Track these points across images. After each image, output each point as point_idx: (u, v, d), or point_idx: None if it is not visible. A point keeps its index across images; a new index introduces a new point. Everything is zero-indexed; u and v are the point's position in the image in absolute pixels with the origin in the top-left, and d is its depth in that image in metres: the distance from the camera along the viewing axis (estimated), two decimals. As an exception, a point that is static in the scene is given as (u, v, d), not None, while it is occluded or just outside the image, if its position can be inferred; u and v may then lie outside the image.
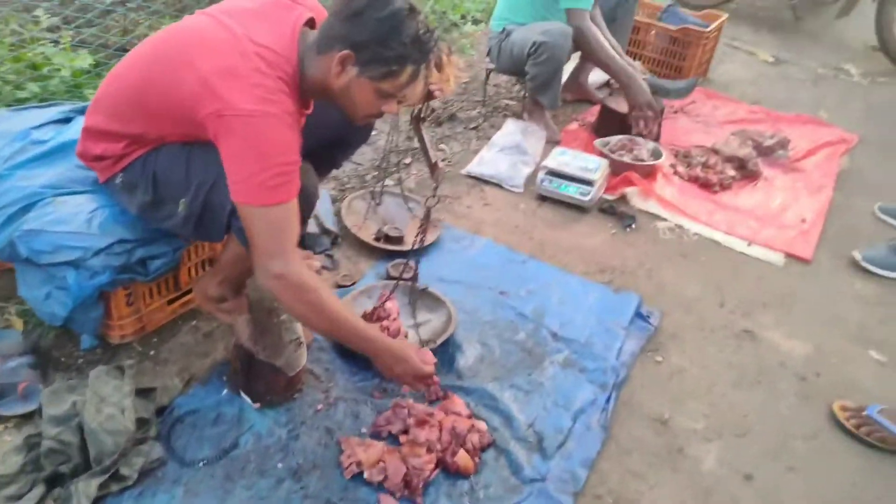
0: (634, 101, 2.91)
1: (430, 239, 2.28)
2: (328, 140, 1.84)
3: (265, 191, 1.30)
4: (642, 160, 2.79)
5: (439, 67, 1.62)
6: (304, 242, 2.18)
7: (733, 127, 3.35)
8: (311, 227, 2.20)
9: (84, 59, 2.53)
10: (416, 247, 1.87)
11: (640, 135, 2.94)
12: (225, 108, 1.30)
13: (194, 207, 1.47)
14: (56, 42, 2.62)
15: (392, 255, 2.21)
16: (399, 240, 2.26)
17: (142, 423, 1.45)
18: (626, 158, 2.79)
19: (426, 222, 1.85)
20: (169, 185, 1.48)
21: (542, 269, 2.24)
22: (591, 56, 3.02)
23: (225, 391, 1.62)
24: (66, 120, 1.83)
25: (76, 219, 1.54)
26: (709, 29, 3.58)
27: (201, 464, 1.46)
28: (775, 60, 4.33)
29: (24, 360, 1.58)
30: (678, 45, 3.63)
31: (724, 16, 3.78)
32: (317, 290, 1.36)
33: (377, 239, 2.26)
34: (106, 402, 1.41)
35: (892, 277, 2.42)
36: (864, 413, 1.80)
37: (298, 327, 1.59)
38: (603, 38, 2.88)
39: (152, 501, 1.37)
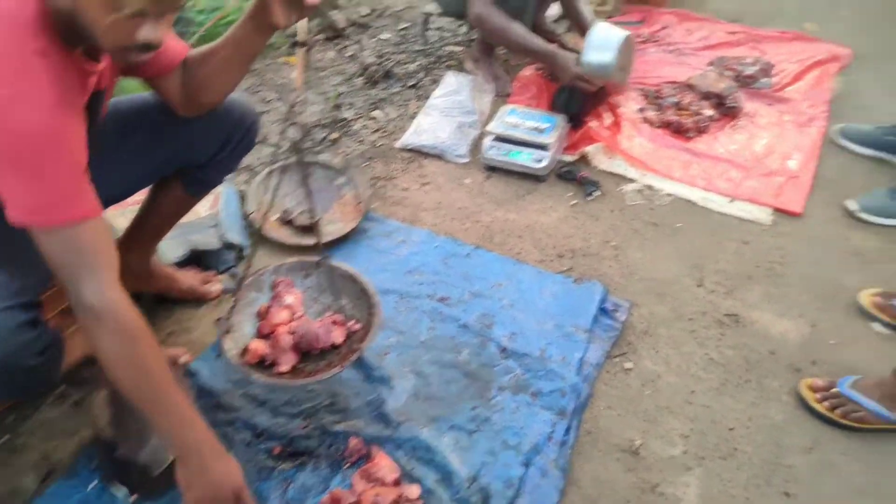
0: (563, 81, 2.40)
1: (348, 225, 1.93)
2: (195, 160, 1.49)
3: (45, 209, 0.97)
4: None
5: None
6: (202, 261, 1.84)
7: (710, 54, 2.95)
8: (211, 242, 1.86)
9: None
10: (321, 242, 1.50)
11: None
12: None
13: None
14: None
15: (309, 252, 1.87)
16: (309, 229, 1.89)
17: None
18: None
19: (310, 200, 1.43)
20: None
21: (491, 263, 1.92)
22: (500, 44, 2.60)
23: (95, 482, 1.33)
24: None
25: None
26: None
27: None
28: (755, -34, 3.85)
29: None
30: (643, -39, 3.18)
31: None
32: (136, 338, 1.05)
33: (283, 223, 1.91)
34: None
35: (891, 225, 2.10)
36: (836, 389, 1.53)
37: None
38: (509, 20, 2.35)
39: None
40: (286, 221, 1.93)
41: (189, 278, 1.76)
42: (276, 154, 1.34)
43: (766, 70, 2.75)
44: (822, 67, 2.90)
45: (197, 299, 1.76)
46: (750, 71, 2.72)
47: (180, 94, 1.36)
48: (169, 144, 1.44)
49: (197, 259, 1.85)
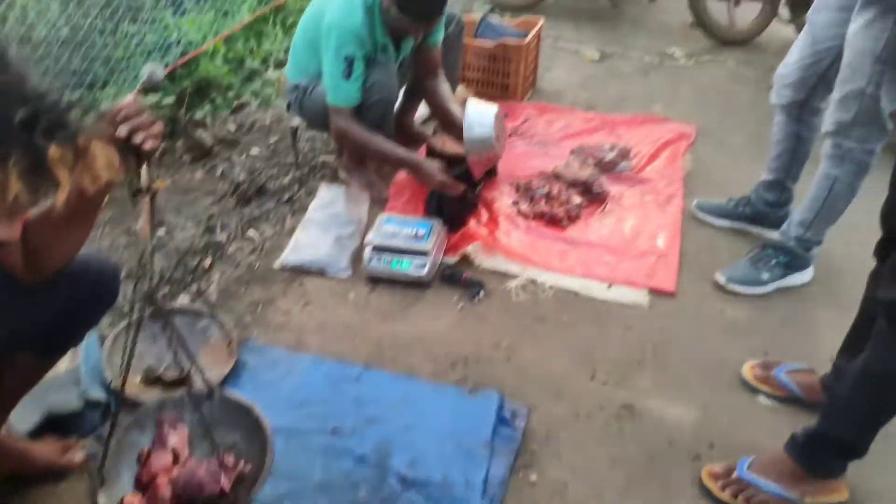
0: (430, 187, 2.47)
1: (222, 370, 1.81)
2: (46, 327, 1.34)
3: None
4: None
5: (67, 160, 0.94)
6: (61, 426, 1.65)
7: (572, 142, 3.11)
8: (71, 403, 1.67)
9: None
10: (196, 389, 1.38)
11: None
12: None
13: None
14: None
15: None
16: (182, 382, 1.76)
17: None
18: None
19: (177, 347, 1.32)
20: None
21: (382, 382, 1.85)
22: (364, 155, 2.62)
23: None
24: None
25: None
26: (527, 40, 3.32)
27: None
28: (601, 56, 4.19)
29: None
30: (499, 61, 3.36)
31: (541, 21, 3.55)
32: None
33: (149, 383, 1.77)
34: None
35: (759, 293, 2.24)
36: (735, 474, 1.56)
37: None
38: (368, 132, 2.42)
39: None
40: (153, 380, 1.78)
41: (46, 451, 1.56)
42: (134, 299, 1.23)
43: (624, 154, 2.93)
44: (672, 146, 3.13)
45: (57, 473, 1.56)
46: (609, 157, 2.88)
47: (21, 260, 1.23)
48: (12, 316, 1.29)
49: (55, 424, 1.65)
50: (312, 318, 2.10)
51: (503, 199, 2.68)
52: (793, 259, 2.22)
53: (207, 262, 2.32)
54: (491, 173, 2.81)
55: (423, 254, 2.20)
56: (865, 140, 1.92)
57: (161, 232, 2.49)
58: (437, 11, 2.26)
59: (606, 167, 2.86)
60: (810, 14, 2.08)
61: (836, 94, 1.94)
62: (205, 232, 2.47)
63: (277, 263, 2.30)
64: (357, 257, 2.33)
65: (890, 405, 1.37)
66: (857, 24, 1.83)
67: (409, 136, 3.06)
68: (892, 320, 1.27)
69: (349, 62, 2.29)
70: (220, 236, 2.46)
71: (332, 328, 2.06)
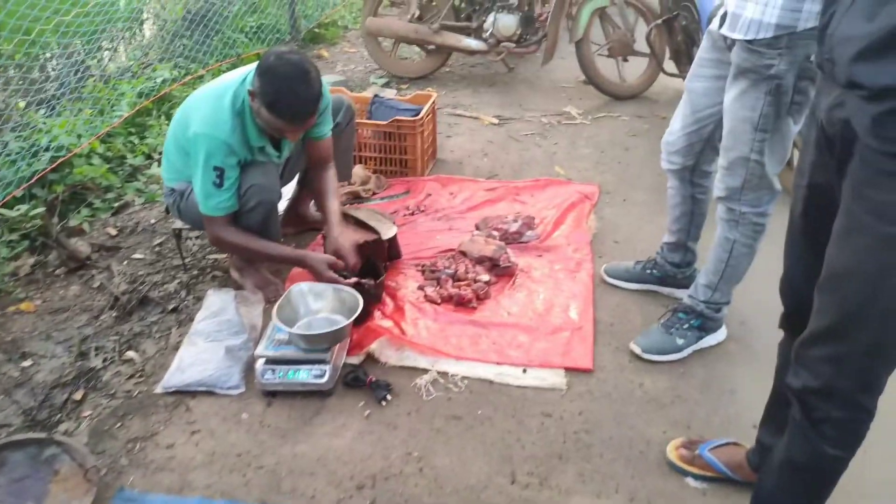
0: (319, 281, 2.31)
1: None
2: None
3: None
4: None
5: None
6: None
7: (475, 214, 3.04)
8: None
9: None
10: None
11: None
12: None
13: None
14: None
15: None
16: None
17: None
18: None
19: None
20: None
21: (280, 521, 1.63)
22: (244, 256, 2.47)
23: None
24: None
25: None
26: (420, 116, 3.26)
27: None
28: (500, 121, 4.19)
29: None
30: (395, 138, 3.28)
31: (434, 95, 3.51)
32: None
33: None
34: None
35: (674, 360, 2.17)
36: None
37: None
38: (246, 235, 2.28)
39: None
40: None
41: None
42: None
43: (529, 223, 2.86)
44: (577, 208, 3.09)
45: None
46: (514, 228, 2.81)
47: None
48: None
49: None
50: (200, 449, 1.87)
51: (408, 284, 2.55)
52: (704, 321, 2.17)
53: (79, 394, 2.06)
54: (394, 256, 2.68)
55: (322, 361, 2.02)
56: (757, 204, 1.90)
57: (27, 363, 2.22)
58: (308, 112, 2.13)
59: (512, 238, 2.79)
60: (687, 82, 2.08)
61: (722, 161, 1.92)
62: (77, 358, 2.21)
63: (160, 387, 2.07)
64: (250, 369, 2.13)
65: (816, 495, 1.27)
66: (731, 93, 1.82)
67: (304, 225, 2.92)
68: (804, 409, 1.19)
69: (219, 172, 2.14)
70: (95, 361, 2.20)
71: (223, 459, 1.83)
